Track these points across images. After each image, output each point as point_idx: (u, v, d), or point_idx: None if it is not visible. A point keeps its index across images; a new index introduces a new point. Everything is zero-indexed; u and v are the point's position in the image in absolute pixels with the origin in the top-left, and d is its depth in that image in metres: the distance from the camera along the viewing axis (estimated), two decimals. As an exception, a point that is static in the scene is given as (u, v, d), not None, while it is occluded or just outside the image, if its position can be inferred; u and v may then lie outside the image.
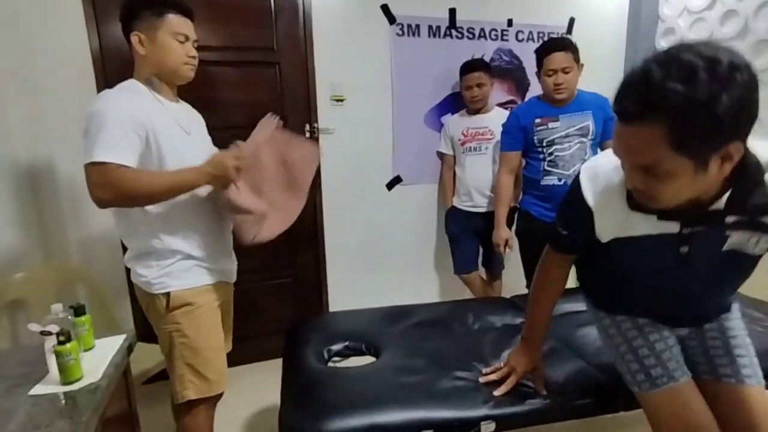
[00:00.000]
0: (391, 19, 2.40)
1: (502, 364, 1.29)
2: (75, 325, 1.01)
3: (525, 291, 1.92)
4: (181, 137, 1.26)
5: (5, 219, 1.64)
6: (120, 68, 1.72)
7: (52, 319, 0.96)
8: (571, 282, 1.35)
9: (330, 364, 1.51)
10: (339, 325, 1.71)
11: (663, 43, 2.81)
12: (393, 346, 1.50)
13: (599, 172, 0.99)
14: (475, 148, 2.40)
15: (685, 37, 2.67)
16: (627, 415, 1.30)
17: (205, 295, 1.33)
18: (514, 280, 2.47)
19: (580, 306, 1.59)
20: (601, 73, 2.90)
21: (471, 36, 2.57)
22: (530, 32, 2.69)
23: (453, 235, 2.53)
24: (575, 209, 1.02)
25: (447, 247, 2.59)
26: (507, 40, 2.65)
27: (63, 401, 0.87)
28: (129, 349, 1.11)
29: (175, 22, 1.23)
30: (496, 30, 2.61)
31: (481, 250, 2.52)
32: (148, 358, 1.69)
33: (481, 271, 2.56)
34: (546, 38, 2.73)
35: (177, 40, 1.23)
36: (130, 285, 1.36)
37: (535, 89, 2.68)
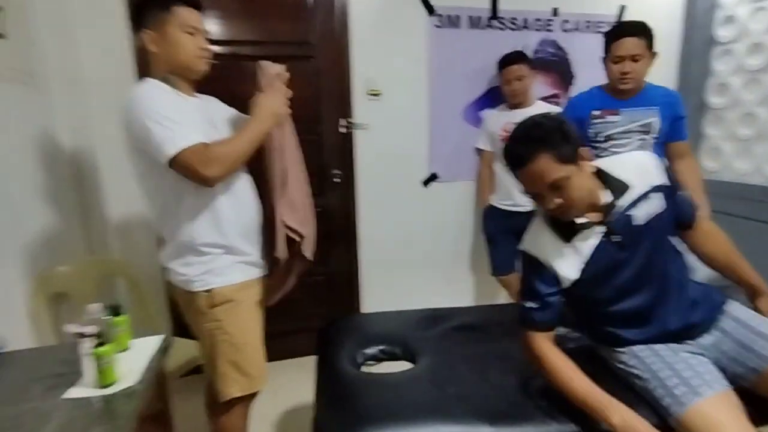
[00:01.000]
0: (430, 9, 2.32)
1: None
2: (112, 325, 1.00)
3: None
4: (209, 133, 1.23)
5: (50, 211, 1.66)
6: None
7: (89, 319, 0.95)
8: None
9: (364, 368, 1.46)
10: (373, 327, 1.66)
11: (722, 32, 2.60)
12: (430, 352, 1.44)
13: (528, 236, 1.23)
14: (516, 145, 2.29)
15: (745, 29, 2.46)
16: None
17: (246, 290, 1.31)
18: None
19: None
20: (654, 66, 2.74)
21: (514, 26, 2.46)
22: (577, 22, 2.54)
23: (490, 234, 2.43)
24: (534, 273, 1.19)
25: (483, 247, 2.50)
26: (551, 31, 2.52)
27: (98, 405, 0.86)
28: (165, 350, 1.09)
29: (184, 14, 1.19)
30: (540, 20, 2.49)
31: (519, 251, 2.41)
32: (183, 353, 1.69)
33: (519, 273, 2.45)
34: (593, 28, 2.58)
35: (187, 32, 1.20)
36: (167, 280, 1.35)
37: (580, 83, 2.55)
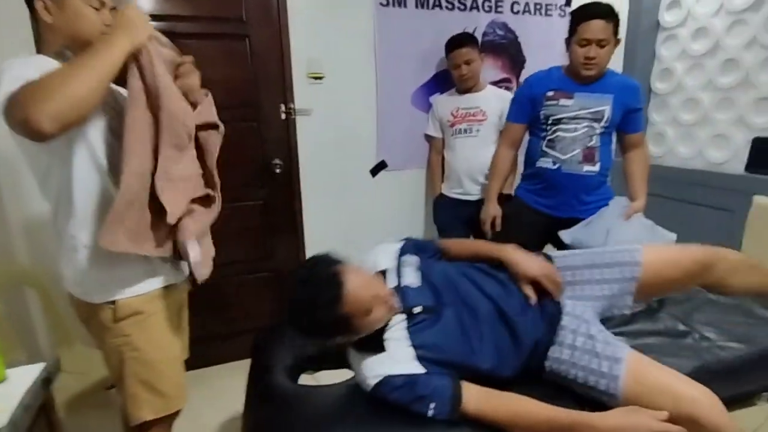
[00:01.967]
0: (374, -14, 2.18)
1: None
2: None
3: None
4: (114, 124, 1.06)
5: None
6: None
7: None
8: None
9: (306, 374, 1.35)
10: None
11: (667, 17, 2.61)
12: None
13: (372, 368, 1.08)
14: (465, 130, 2.21)
15: (690, 13, 2.47)
16: None
17: (158, 300, 1.14)
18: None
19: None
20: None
21: (462, 7, 2.35)
22: (526, 3, 2.47)
23: (441, 224, 2.36)
24: (405, 386, 1.02)
25: (436, 237, 2.42)
26: (501, 12, 2.43)
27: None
28: (47, 381, 0.93)
29: None
30: (489, 1, 2.39)
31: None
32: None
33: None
34: (543, 11, 2.52)
35: (91, 5, 1.03)
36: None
37: (531, 67, 2.49)
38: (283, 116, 2.13)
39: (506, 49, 2.50)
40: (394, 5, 2.23)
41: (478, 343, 1.10)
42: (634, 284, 1.22)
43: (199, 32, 1.94)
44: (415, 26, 2.29)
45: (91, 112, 0.93)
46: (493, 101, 2.16)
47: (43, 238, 1.80)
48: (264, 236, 2.26)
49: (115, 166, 1.01)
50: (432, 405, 0.97)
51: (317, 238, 2.35)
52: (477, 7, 2.38)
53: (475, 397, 0.98)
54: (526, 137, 1.98)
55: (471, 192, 2.23)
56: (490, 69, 2.45)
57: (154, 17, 1.83)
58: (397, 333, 1.08)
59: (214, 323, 2.22)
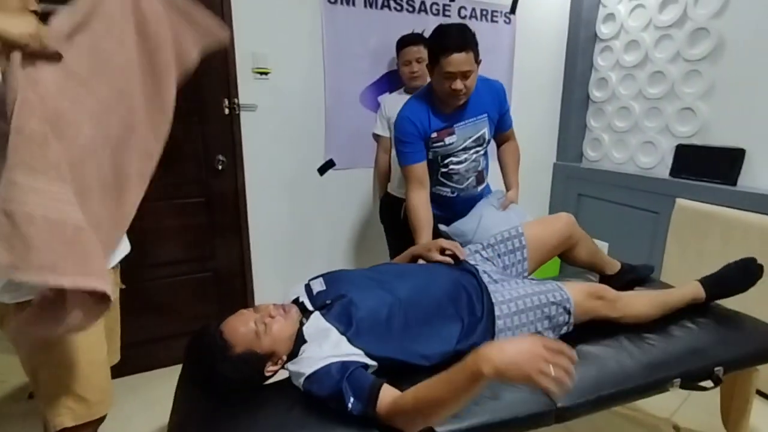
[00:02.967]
0: (322, -17, 2.17)
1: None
2: None
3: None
4: None
5: None
6: None
7: None
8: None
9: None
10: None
11: (603, 29, 2.76)
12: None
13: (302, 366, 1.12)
14: (413, 132, 2.23)
15: (623, 26, 2.63)
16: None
17: None
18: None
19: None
20: (544, 52, 2.85)
21: (411, 9, 2.39)
22: (473, 9, 2.54)
23: (388, 223, 2.37)
24: (330, 377, 1.06)
25: (383, 236, 2.43)
26: (449, 16, 2.49)
27: None
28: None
29: None
30: (437, 4, 2.44)
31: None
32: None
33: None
34: (489, 17, 2.60)
35: None
36: None
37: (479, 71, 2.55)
38: (227, 111, 2.08)
39: (454, 52, 2.56)
40: (342, 3, 2.23)
41: (395, 296, 1.23)
42: (525, 251, 1.52)
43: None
44: (364, 25, 2.30)
45: None
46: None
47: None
48: (206, 235, 2.19)
49: None
50: (352, 400, 0.97)
51: (263, 237, 2.30)
52: (425, 10, 2.42)
53: (391, 398, 0.96)
54: None
55: (417, 192, 2.25)
56: (437, 71, 2.49)
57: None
58: (315, 323, 1.15)
59: (153, 327, 2.13)
